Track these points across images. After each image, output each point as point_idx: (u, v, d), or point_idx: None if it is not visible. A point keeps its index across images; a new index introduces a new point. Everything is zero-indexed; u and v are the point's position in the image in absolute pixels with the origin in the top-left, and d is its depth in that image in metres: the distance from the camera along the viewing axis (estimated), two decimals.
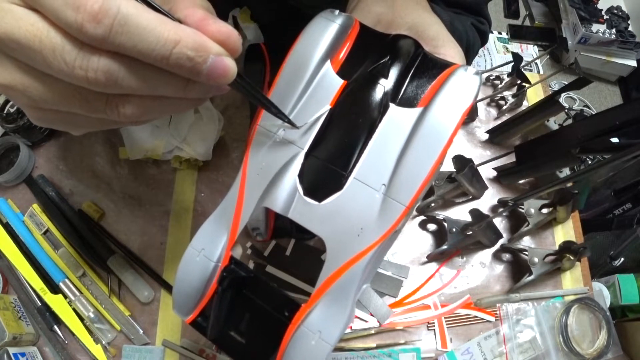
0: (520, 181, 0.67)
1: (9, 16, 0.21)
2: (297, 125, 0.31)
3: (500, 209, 0.60)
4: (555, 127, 0.67)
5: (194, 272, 0.32)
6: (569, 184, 0.59)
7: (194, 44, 0.22)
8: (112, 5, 0.20)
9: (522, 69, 0.67)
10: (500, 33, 1.94)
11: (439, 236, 0.63)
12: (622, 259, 1.10)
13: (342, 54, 0.34)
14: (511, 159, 0.64)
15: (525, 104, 0.72)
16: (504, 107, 0.71)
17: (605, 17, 1.99)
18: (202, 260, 0.32)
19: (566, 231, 0.64)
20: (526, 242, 0.64)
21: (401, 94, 0.32)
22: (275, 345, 0.30)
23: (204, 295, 0.32)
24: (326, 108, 0.32)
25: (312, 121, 0.32)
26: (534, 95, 0.74)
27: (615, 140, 0.49)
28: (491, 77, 0.73)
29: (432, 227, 0.64)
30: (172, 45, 0.21)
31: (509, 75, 0.70)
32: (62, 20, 0.21)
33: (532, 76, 0.71)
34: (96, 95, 0.23)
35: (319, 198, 0.30)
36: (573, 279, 0.62)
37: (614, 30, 1.95)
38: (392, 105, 0.31)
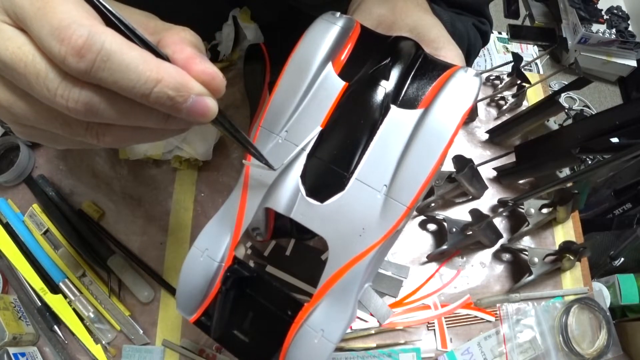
0: (520, 181, 0.67)
1: None
2: (274, 167, 0.31)
3: (500, 209, 0.61)
4: (555, 127, 0.67)
5: (197, 272, 0.32)
6: (569, 184, 0.59)
7: (176, 83, 0.22)
8: (96, 40, 0.20)
9: (522, 69, 0.67)
10: (500, 33, 1.94)
11: (439, 236, 0.63)
12: (622, 259, 1.10)
13: (344, 55, 0.34)
14: (511, 159, 0.64)
15: (525, 104, 0.72)
16: (504, 107, 0.71)
17: (605, 17, 1.99)
18: (206, 261, 0.32)
19: (566, 231, 0.65)
20: (526, 242, 0.64)
21: (402, 95, 0.32)
22: (278, 344, 0.31)
23: (207, 294, 0.33)
24: (317, 130, 0.32)
25: (292, 156, 0.32)
26: (534, 95, 0.74)
27: (615, 140, 0.49)
28: (491, 77, 0.73)
29: (432, 227, 0.64)
30: (153, 83, 0.22)
31: (509, 75, 0.70)
32: (46, 49, 0.21)
33: (532, 76, 0.71)
34: (77, 121, 0.24)
35: (322, 199, 0.31)
36: (573, 279, 0.62)
37: (614, 30, 1.95)
38: (393, 107, 0.32)
